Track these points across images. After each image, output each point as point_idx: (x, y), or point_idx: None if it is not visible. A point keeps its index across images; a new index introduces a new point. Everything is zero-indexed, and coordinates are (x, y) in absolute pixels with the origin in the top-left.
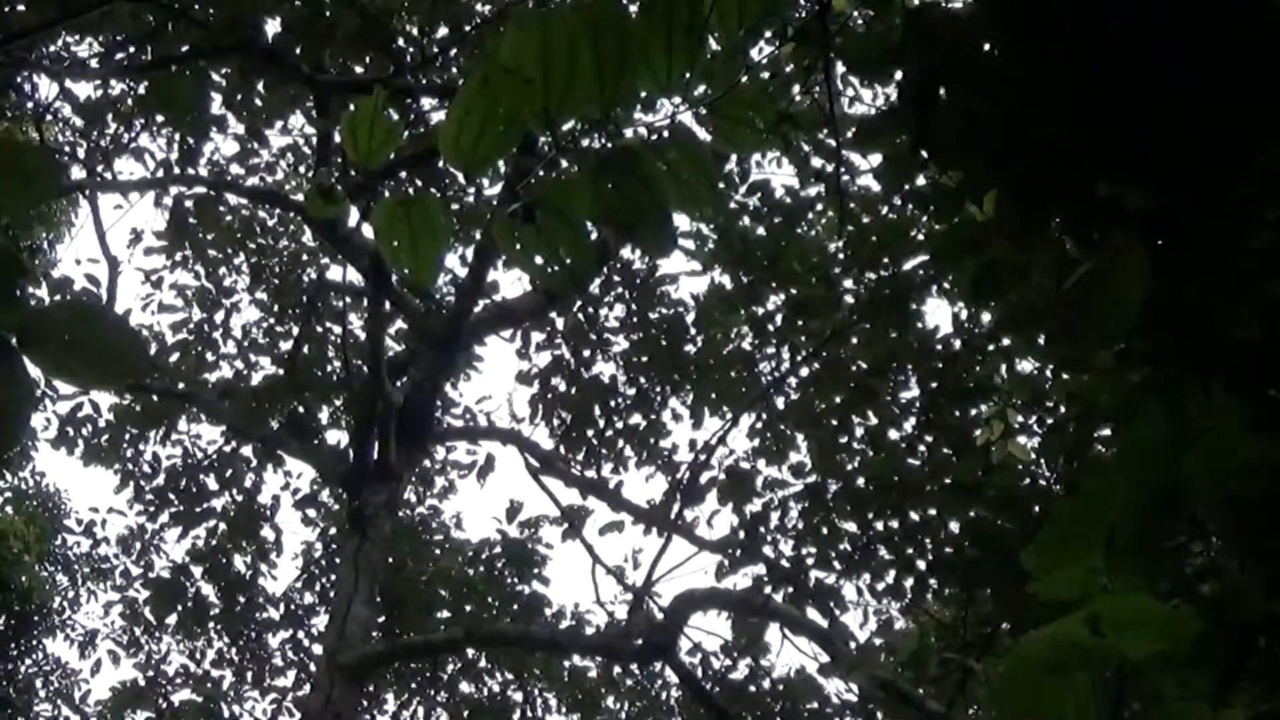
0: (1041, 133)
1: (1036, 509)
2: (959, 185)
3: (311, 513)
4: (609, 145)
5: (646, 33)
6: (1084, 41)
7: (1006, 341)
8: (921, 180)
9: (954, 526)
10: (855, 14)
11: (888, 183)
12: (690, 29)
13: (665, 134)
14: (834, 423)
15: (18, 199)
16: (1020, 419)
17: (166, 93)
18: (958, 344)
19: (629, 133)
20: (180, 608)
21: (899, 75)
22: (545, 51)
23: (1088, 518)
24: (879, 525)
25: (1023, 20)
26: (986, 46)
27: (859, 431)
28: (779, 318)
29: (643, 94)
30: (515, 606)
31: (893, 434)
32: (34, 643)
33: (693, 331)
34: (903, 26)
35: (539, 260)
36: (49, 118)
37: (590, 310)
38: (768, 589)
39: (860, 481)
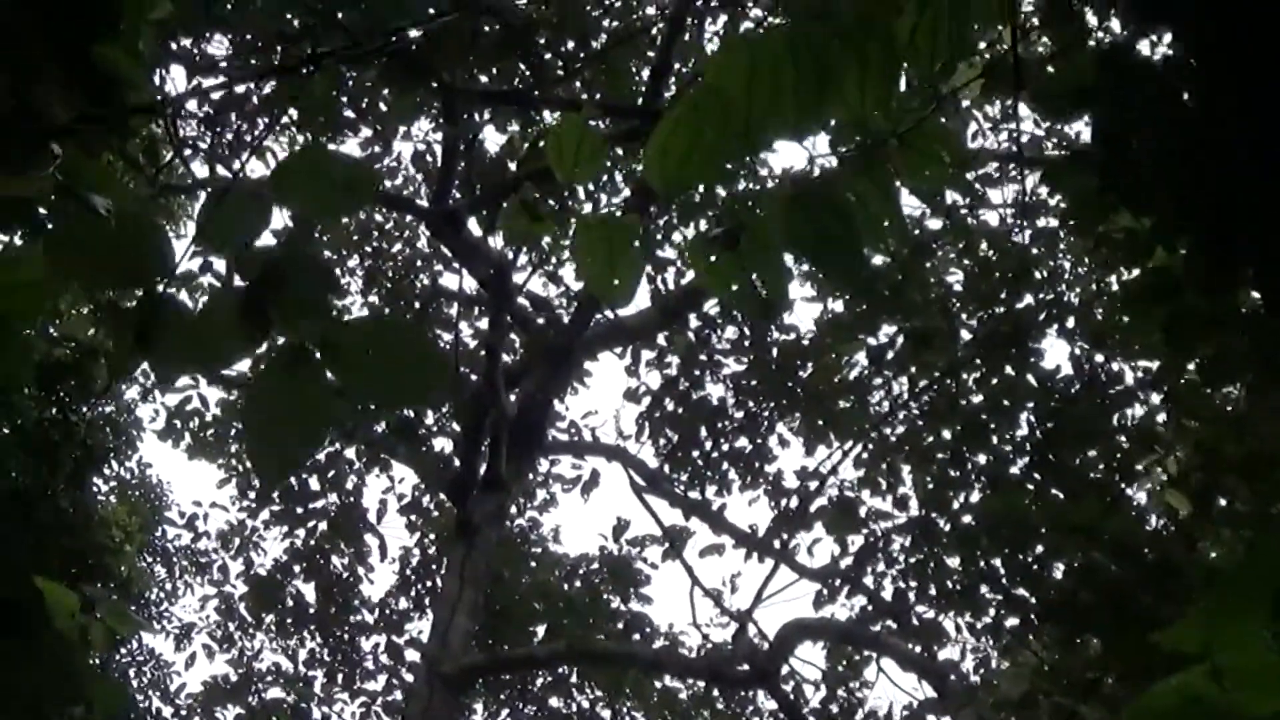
0: (1237, 183)
1: (1152, 557)
2: (1150, 232)
3: (414, 518)
4: (803, 173)
5: (842, 60)
6: None
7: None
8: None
9: (1059, 568)
10: (1045, 53)
11: (1077, 226)
12: (885, 59)
13: (856, 164)
14: (943, 457)
15: (332, 208)
16: (1168, 468)
17: (301, 94)
18: (1077, 385)
19: (821, 161)
20: (277, 606)
21: (1089, 117)
22: (751, 74)
23: (1256, 579)
24: (985, 563)
25: (1224, 72)
26: (1181, 93)
27: (969, 467)
28: (895, 348)
29: (835, 122)
30: (616, 624)
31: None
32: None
33: (805, 357)
34: (1095, 68)
35: (734, 286)
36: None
37: (703, 331)
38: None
39: (968, 518)
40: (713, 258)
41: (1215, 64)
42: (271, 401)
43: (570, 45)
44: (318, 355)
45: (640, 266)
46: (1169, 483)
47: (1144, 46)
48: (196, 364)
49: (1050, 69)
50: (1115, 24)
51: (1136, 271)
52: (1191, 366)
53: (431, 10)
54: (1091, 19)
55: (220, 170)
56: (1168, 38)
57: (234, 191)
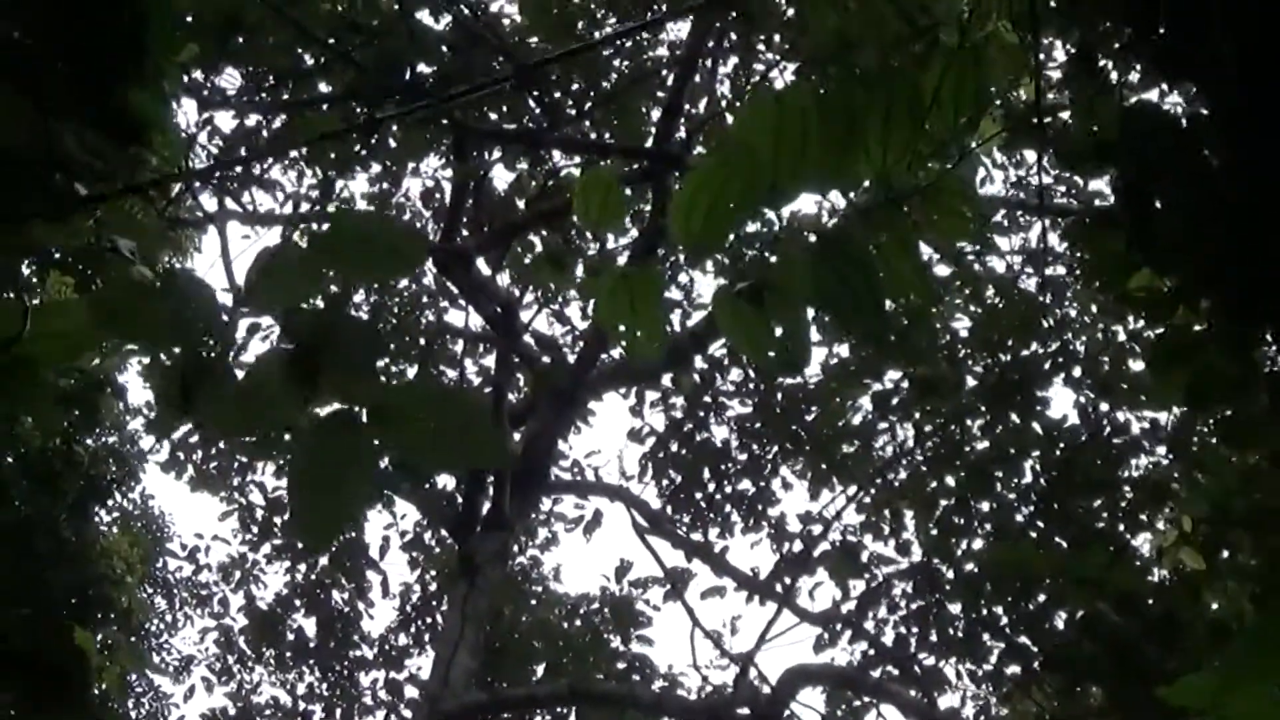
0: (1260, 242)
1: (1157, 609)
2: (1173, 291)
3: (415, 555)
4: (828, 228)
5: (867, 114)
6: None
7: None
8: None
9: (1062, 618)
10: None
11: (1100, 283)
12: (910, 114)
13: (878, 218)
14: (947, 504)
15: (381, 272)
16: (1176, 525)
17: (312, 130)
18: (1083, 435)
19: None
20: (276, 640)
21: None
22: (778, 129)
23: (1270, 638)
24: (987, 611)
25: (1248, 128)
26: (1205, 149)
27: (973, 515)
28: (900, 394)
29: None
30: (617, 665)
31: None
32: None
33: (810, 401)
34: (1119, 123)
35: (757, 342)
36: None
37: (708, 373)
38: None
39: (972, 565)
40: (737, 312)
41: (1239, 120)
42: (318, 465)
43: (580, 85)
44: (365, 419)
45: (665, 318)
46: (1181, 539)
47: (1166, 101)
48: (242, 425)
49: (1073, 123)
50: (1138, 79)
51: (1158, 331)
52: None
53: (445, 48)
54: (1114, 74)
55: (229, 204)
56: (1190, 93)
57: (283, 253)
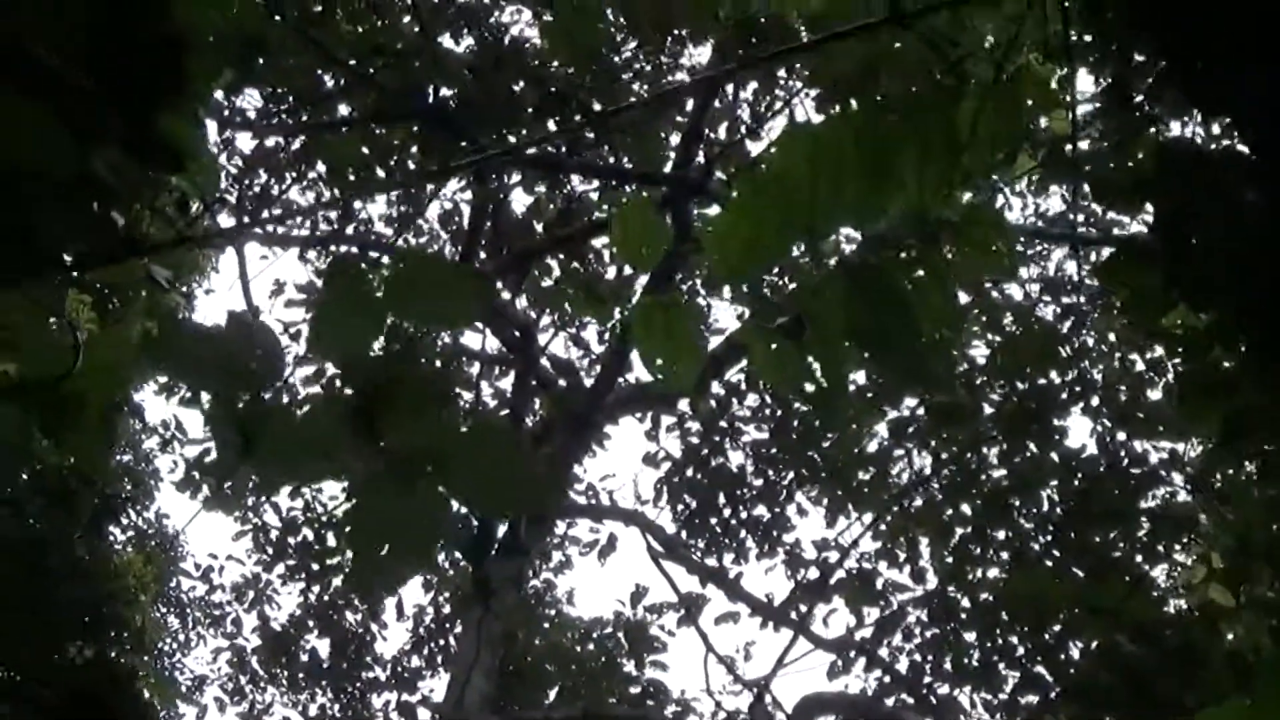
0: None
1: (1175, 640)
2: (1209, 327)
3: (429, 577)
4: (863, 262)
5: (901, 148)
6: None
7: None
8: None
9: (1077, 648)
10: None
11: (1134, 319)
12: (946, 148)
13: (912, 253)
14: (963, 532)
15: (444, 318)
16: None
17: (334, 152)
18: (1102, 465)
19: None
20: (289, 660)
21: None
22: (813, 162)
23: None
24: (1003, 640)
25: None
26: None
27: (989, 543)
28: (917, 422)
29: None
30: (630, 689)
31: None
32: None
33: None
34: (1155, 159)
35: (792, 378)
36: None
37: (725, 398)
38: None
39: (988, 594)
40: (772, 346)
41: (1275, 156)
42: (378, 514)
43: (599, 108)
44: (426, 466)
45: (702, 351)
46: (1210, 576)
47: (1201, 135)
48: (302, 471)
49: (1108, 159)
50: (1172, 112)
51: (1191, 367)
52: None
53: (467, 72)
54: (1149, 108)
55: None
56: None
57: (345, 298)
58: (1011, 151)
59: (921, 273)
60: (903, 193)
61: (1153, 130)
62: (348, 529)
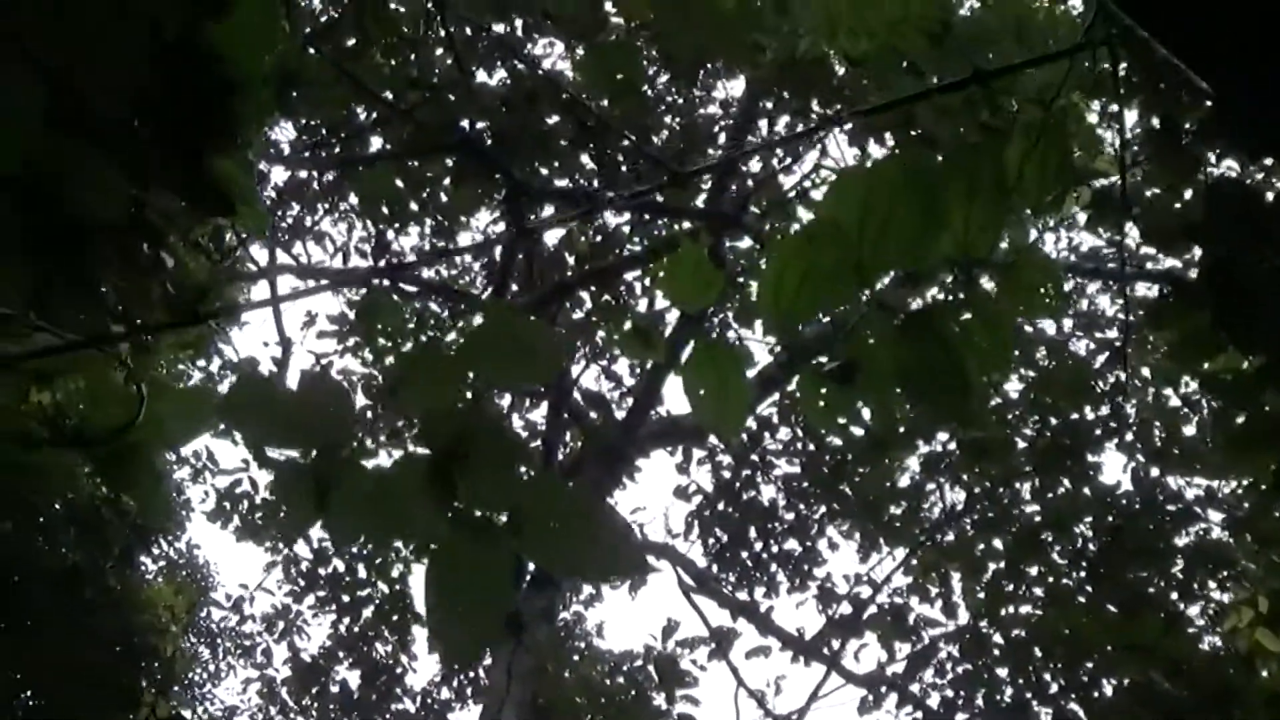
0: None
1: (1211, 678)
2: (1259, 371)
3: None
4: (913, 306)
5: (950, 190)
6: None
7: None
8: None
9: (1111, 686)
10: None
11: (1181, 363)
12: (995, 190)
13: (963, 296)
14: (996, 567)
15: (522, 376)
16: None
17: (367, 185)
18: (1137, 501)
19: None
20: (317, 691)
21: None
22: (865, 205)
23: None
24: (1036, 676)
25: None
26: None
27: (1023, 579)
28: (950, 457)
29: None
30: None
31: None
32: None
33: (858, 461)
34: (1205, 201)
35: (842, 421)
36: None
37: (756, 431)
38: None
39: (1021, 630)
40: (822, 391)
41: None
42: (457, 576)
43: (631, 140)
44: (505, 526)
45: (751, 395)
46: (1256, 620)
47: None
48: (377, 530)
49: (1156, 200)
50: (1220, 153)
51: (1238, 412)
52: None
53: (501, 105)
54: (1197, 149)
55: (281, 256)
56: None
57: (424, 356)
58: (1060, 194)
59: (969, 315)
60: (950, 236)
61: (1202, 173)
62: (425, 590)
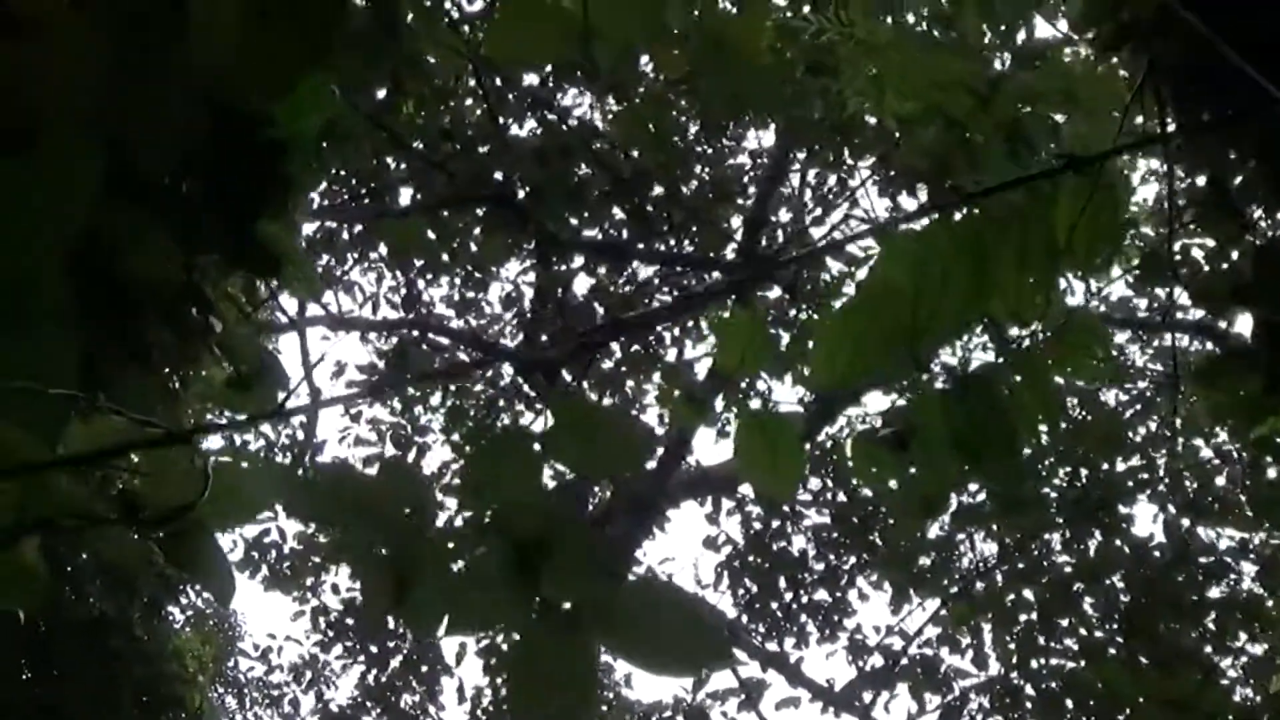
0: None
1: None
2: None
3: (492, 660)
4: (963, 370)
5: (1000, 253)
6: None
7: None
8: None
9: None
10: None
11: (1235, 427)
12: (1045, 253)
13: (1012, 361)
14: (1027, 619)
15: (605, 467)
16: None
17: (401, 236)
18: (1170, 554)
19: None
20: None
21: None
22: (919, 269)
23: None
24: None
25: None
26: None
27: (1054, 632)
28: (981, 508)
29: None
30: None
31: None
32: None
33: (889, 512)
34: (1254, 263)
35: (894, 486)
36: None
37: None
38: None
39: (1053, 683)
40: (875, 456)
41: None
42: (539, 669)
43: (660, 191)
44: (590, 620)
45: (803, 458)
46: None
47: None
48: (457, 621)
49: (1205, 260)
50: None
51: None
52: None
53: (538, 159)
54: (1247, 209)
55: (311, 306)
56: None
57: (504, 446)
58: (1109, 257)
59: (1020, 378)
60: (1000, 298)
61: (1252, 234)
62: (507, 682)
